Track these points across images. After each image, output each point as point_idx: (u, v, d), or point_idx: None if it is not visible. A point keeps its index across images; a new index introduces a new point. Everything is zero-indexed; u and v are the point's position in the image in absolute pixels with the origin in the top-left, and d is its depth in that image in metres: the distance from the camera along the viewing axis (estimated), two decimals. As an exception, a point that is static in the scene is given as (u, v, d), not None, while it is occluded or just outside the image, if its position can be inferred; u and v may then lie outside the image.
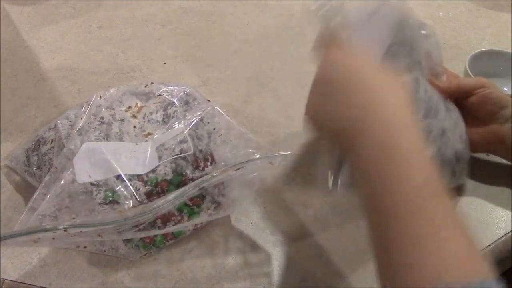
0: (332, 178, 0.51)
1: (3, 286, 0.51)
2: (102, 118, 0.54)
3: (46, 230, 0.43)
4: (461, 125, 0.57)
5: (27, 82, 0.75)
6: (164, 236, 0.53)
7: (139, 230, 0.47)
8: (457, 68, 0.70)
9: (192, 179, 0.51)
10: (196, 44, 0.81)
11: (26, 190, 0.59)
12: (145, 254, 0.53)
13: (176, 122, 0.54)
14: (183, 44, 0.81)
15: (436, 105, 0.55)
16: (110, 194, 0.48)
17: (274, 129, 0.67)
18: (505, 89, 0.71)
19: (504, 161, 0.62)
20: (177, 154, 0.51)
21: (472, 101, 0.58)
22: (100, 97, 0.56)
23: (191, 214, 0.52)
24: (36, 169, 0.56)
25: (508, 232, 0.56)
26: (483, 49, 0.70)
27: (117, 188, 0.49)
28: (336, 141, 0.47)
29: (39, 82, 0.75)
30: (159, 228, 0.50)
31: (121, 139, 0.52)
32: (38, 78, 0.75)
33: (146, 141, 0.53)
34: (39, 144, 0.57)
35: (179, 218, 0.51)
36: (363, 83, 0.44)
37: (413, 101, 0.51)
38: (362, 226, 0.40)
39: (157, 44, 0.81)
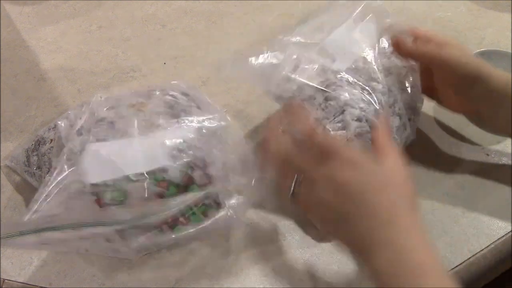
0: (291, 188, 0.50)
1: (3, 286, 0.51)
2: (103, 118, 0.53)
3: (45, 230, 0.43)
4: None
5: (27, 82, 0.75)
6: (164, 236, 0.53)
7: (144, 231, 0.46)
8: (457, 68, 0.70)
9: (200, 185, 0.50)
10: (196, 44, 0.81)
11: (26, 190, 0.59)
12: (145, 254, 0.53)
13: (186, 119, 0.53)
14: (183, 44, 0.81)
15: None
16: (117, 194, 0.48)
17: (274, 129, 0.67)
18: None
19: (504, 161, 0.62)
20: (186, 158, 0.51)
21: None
22: (101, 97, 0.56)
23: (198, 220, 0.51)
24: (36, 169, 0.56)
25: (508, 232, 0.56)
26: (483, 49, 0.70)
27: (123, 187, 0.48)
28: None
29: (39, 82, 0.75)
30: (165, 230, 0.50)
31: (125, 136, 0.52)
32: (38, 78, 0.75)
33: (151, 136, 0.51)
34: (39, 144, 0.57)
35: (184, 222, 0.51)
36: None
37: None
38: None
39: (157, 44, 0.81)
